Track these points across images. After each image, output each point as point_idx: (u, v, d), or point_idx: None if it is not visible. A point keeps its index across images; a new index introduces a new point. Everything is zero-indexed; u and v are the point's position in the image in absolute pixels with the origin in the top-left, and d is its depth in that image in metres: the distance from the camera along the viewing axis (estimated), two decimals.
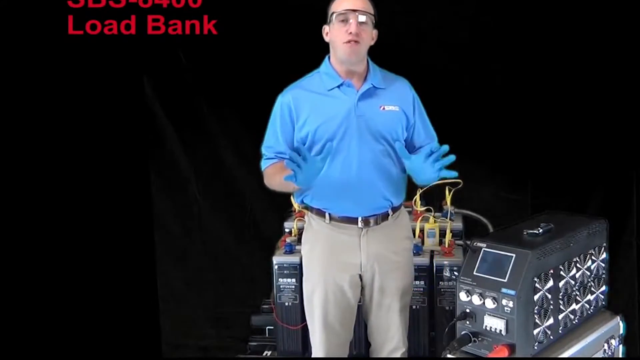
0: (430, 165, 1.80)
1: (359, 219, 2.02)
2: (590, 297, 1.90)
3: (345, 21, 1.93)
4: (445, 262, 2.44)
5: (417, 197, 2.60)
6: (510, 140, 3.00)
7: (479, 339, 1.68)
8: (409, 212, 2.60)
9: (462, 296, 1.71)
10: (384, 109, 2.01)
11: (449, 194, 2.63)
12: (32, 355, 2.55)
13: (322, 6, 2.02)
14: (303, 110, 1.99)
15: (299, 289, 2.45)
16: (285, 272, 2.50)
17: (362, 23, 1.93)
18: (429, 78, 2.88)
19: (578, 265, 1.83)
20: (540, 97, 2.95)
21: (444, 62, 2.96)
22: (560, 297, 1.76)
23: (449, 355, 1.69)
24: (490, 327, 1.65)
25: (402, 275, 2.10)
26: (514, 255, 1.65)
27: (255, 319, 2.80)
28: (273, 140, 2.04)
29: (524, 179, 3.08)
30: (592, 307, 1.92)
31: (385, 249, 2.06)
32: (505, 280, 1.63)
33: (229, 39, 2.86)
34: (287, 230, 2.73)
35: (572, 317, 1.82)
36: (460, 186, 2.48)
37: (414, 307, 2.36)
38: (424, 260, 2.45)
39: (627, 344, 2.02)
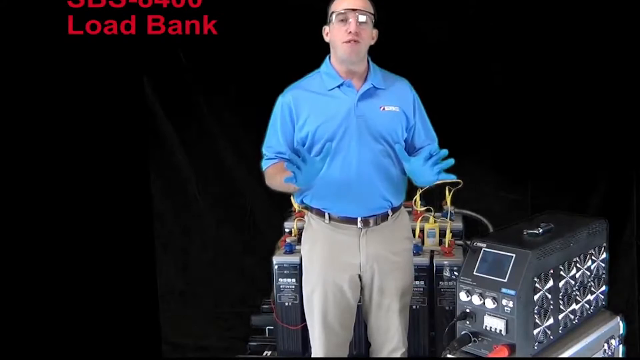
0: (430, 168, 1.81)
1: (359, 219, 2.02)
2: (590, 297, 1.90)
3: (344, 21, 1.93)
4: (445, 262, 2.44)
5: (417, 197, 2.61)
6: (510, 140, 3.00)
7: (479, 339, 1.68)
8: (409, 212, 2.60)
9: (462, 296, 1.71)
10: (384, 109, 2.01)
11: (449, 194, 2.63)
12: (32, 355, 2.55)
13: (322, 6, 2.02)
14: (303, 110, 1.99)
15: (299, 289, 2.45)
16: (285, 272, 2.50)
17: (362, 23, 1.93)
18: (429, 78, 2.89)
19: (578, 265, 1.83)
20: (540, 97, 2.96)
21: (443, 62, 2.95)
22: (560, 297, 1.76)
23: (449, 355, 1.69)
24: (490, 327, 1.65)
25: (401, 275, 2.10)
26: (514, 255, 1.65)
27: (255, 319, 2.80)
28: (273, 141, 2.05)
29: (524, 179, 3.08)
30: (592, 307, 1.92)
31: (385, 250, 2.06)
32: (505, 280, 1.63)
33: (229, 39, 2.86)
34: (287, 230, 2.73)
35: (572, 317, 1.82)
36: (460, 186, 2.48)
37: (414, 307, 2.36)
38: (424, 260, 2.45)
39: (627, 344, 2.02)
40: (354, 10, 1.92)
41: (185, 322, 3.25)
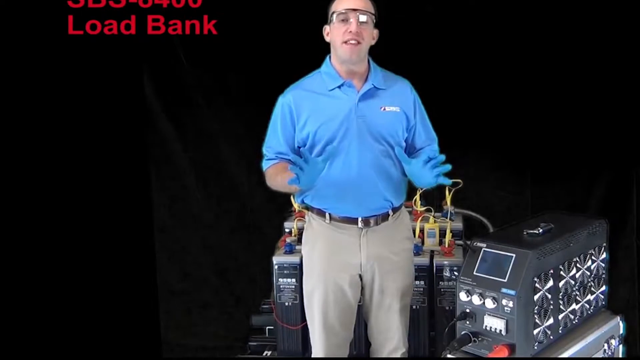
0: (429, 170, 1.82)
1: (359, 219, 2.02)
2: (590, 297, 1.91)
3: (345, 20, 1.93)
4: (445, 262, 2.44)
5: (417, 197, 2.61)
6: (511, 140, 3.00)
7: (479, 339, 1.68)
8: (409, 212, 2.60)
9: (462, 296, 1.71)
10: (384, 109, 2.01)
11: (449, 194, 2.63)
12: (32, 355, 2.55)
13: (323, 6, 2.02)
14: (304, 110, 1.99)
15: (299, 289, 2.45)
16: (285, 272, 2.50)
17: (362, 23, 1.92)
18: (429, 77, 2.89)
19: (578, 265, 1.83)
20: (541, 97, 2.95)
21: (443, 61, 2.95)
22: (560, 297, 1.76)
23: (449, 355, 1.69)
24: (490, 327, 1.65)
25: (402, 275, 2.10)
26: (514, 255, 1.66)
27: (255, 319, 2.80)
28: (273, 141, 2.05)
29: (524, 179, 3.08)
30: (592, 307, 1.92)
31: (385, 250, 2.06)
32: (505, 280, 1.63)
33: (229, 39, 2.86)
34: (287, 230, 2.72)
35: (572, 317, 1.82)
36: (460, 186, 2.48)
37: (414, 307, 2.36)
38: (424, 260, 2.45)
39: (627, 344, 2.03)
40: (354, 10, 1.92)
41: (185, 322, 3.25)
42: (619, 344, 1.97)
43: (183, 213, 3.24)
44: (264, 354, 2.71)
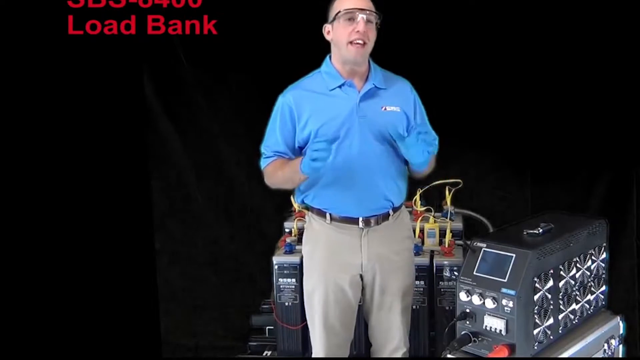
0: (421, 144, 1.84)
1: (360, 219, 2.02)
2: (590, 297, 1.90)
3: (352, 20, 1.92)
4: (445, 262, 2.44)
5: (417, 197, 2.60)
6: (510, 140, 3.00)
7: (479, 339, 1.68)
8: (409, 212, 2.60)
9: (462, 296, 1.71)
10: (385, 109, 2.01)
11: (449, 194, 2.63)
12: (32, 355, 2.55)
13: (323, 5, 2.01)
14: (304, 110, 1.99)
15: (299, 289, 2.45)
16: (285, 272, 2.50)
17: (368, 22, 1.92)
18: (429, 77, 2.88)
19: (578, 265, 1.83)
20: (541, 97, 2.95)
21: (443, 61, 2.95)
22: (560, 297, 1.76)
23: (449, 355, 1.69)
24: (490, 327, 1.65)
25: (403, 275, 2.10)
26: (514, 255, 1.65)
27: (255, 319, 2.80)
28: (272, 140, 2.05)
29: (524, 179, 3.08)
30: (592, 307, 1.92)
31: (386, 249, 2.06)
32: (505, 280, 1.63)
33: (229, 39, 2.86)
34: (287, 230, 2.72)
35: (572, 317, 1.82)
36: (460, 186, 2.48)
37: (414, 307, 2.35)
38: (424, 260, 2.45)
39: (627, 344, 2.02)
40: (362, 9, 1.92)
41: (185, 322, 3.25)
42: (619, 344, 1.97)
43: (183, 213, 3.24)
44: (264, 354, 2.71)
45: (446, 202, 2.67)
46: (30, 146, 2.56)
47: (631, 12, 2.77)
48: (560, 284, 1.75)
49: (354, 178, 1.97)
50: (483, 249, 1.72)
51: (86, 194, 2.70)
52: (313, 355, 2.16)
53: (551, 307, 1.72)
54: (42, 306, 2.58)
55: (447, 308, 2.43)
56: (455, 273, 2.39)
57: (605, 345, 1.91)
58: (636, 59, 2.80)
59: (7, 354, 2.48)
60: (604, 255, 1.96)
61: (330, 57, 2.05)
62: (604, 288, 1.98)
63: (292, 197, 2.34)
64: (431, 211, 2.63)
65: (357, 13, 1.91)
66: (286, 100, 2.01)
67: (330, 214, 2.03)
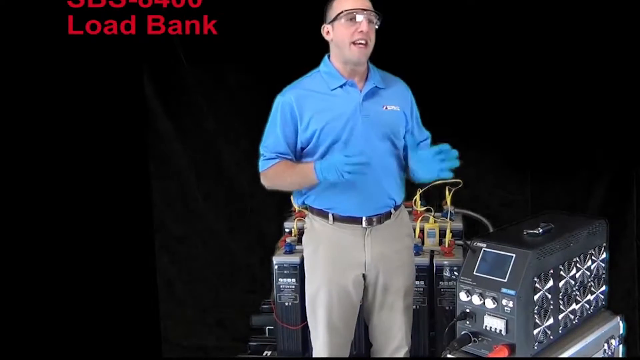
0: (438, 162, 1.83)
1: (363, 218, 2.01)
2: (590, 297, 1.90)
3: (353, 20, 1.92)
4: (445, 262, 2.44)
5: (417, 197, 2.61)
6: (510, 140, 3.00)
7: (479, 339, 1.68)
8: (409, 212, 2.60)
9: (462, 296, 1.71)
10: (386, 108, 2.02)
11: (449, 194, 2.63)
12: (32, 355, 2.55)
13: (323, 5, 2.01)
14: (306, 110, 1.98)
15: (299, 289, 2.45)
16: (285, 272, 2.50)
17: (371, 22, 1.93)
18: (429, 77, 2.89)
19: (578, 265, 1.83)
20: (541, 97, 2.95)
21: (443, 61, 2.95)
22: (560, 297, 1.76)
23: (449, 355, 1.69)
24: (490, 327, 1.65)
25: (404, 273, 2.11)
26: (514, 255, 1.65)
27: (255, 319, 2.80)
28: (272, 140, 2.02)
29: (524, 179, 3.08)
30: (592, 307, 1.92)
31: (389, 248, 2.06)
32: (505, 280, 1.63)
33: (229, 39, 2.86)
34: (287, 230, 2.72)
35: (572, 317, 1.82)
36: (460, 186, 2.48)
37: (414, 307, 2.35)
38: (424, 260, 2.45)
39: (627, 344, 2.02)
40: (364, 10, 1.92)
41: (185, 322, 3.25)
42: (619, 344, 1.97)
43: (183, 213, 3.24)
44: (264, 354, 2.70)
45: (446, 202, 2.67)
46: (30, 146, 2.56)
47: (631, 12, 2.77)
48: (560, 284, 1.75)
49: (358, 177, 1.96)
50: (483, 249, 1.72)
51: (86, 194, 2.70)
52: (314, 355, 2.16)
53: (551, 307, 1.72)
54: (42, 307, 2.58)
55: (447, 308, 2.43)
56: (455, 273, 2.39)
57: (605, 345, 1.91)
58: (636, 59, 2.80)
59: (8, 355, 2.48)
60: (604, 255, 1.96)
61: (329, 57, 2.05)
62: (604, 288, 1.98)
63: (291, 198, 2.34)
64: (431, 211, 2.63)
65: (360, 13, 1.91)
66: (287, 100, 2.00)
67: (333, 214, 2.03)
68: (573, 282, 1.81)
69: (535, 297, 1.66)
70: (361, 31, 1.91)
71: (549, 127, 2.97)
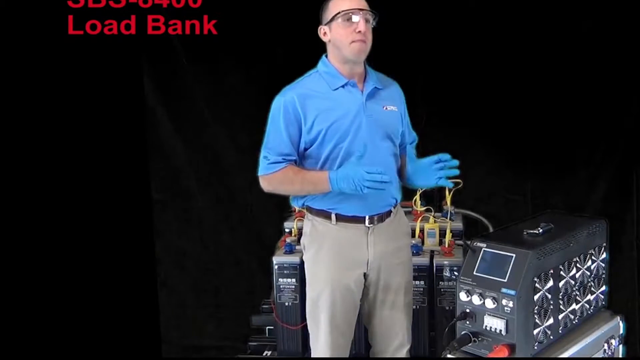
0: (435, 171, 1.89)
1: (366, 217, 2.01)
2: (590, 297, 1.91)
3: (350, 20, 1.92)
4: (445, 262, 2.44)
5: (417, 197, 2.61)
6: (510, 140, 3.00)
7: (479, 339, 1.68)
8: (409, 212, 2.60)
9: (462, 296, 1.71)
10: (386, 109, 2.03)
11: (449, 194, 2.63)
12: (32, 355, 2.55)
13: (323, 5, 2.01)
14: (310, 110, 1.96)
15: (299, 289, 2.44)
16: (285, 272, 2.50)
17: (368, 22, 1.94)
18: (429, 77, 2.89)
19: (578, 265, 1.83)
20: (541, 97, 2.95)
21: (443, 61, 2.95)
22: (560, 297, 1.76)
23: (449, 355, 1.69)
24: (490, 327, 1.65)
25: (403, 271, 2.11)
26: (514, 255, 1.65)
27: (255, 319, 2.80)
28: (276, 142, 1.99)
29: (524, 179, 3.08)
30: (592, 307, 1.92)
31: (390, 246, 2.07)
32: (505, 280, 1.63)
33: (229, 39, 2.86)
34: (287, 230, 2.72)
35: (572, 317, 1.82)
36: (460, 186, 2.48)
37: (414, 307, 2.35)
38: (424, 260, 2.45)
39: (627, 344, 2.02)
40: (360, 10, 1.92)
41: (185, 322, 3.25)
42: (619, 344, 1.97)
43: (183, 213, 3.24)
44: (264, 354, 2.70)
45: (446, 202, 2.67)
46: (30, 146, 2.56)
47: (631, 11, 2.77)
48: (560, 284, 1.75)
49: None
50: (483, 249, 1.72)
51: (86, 194, 2.71)
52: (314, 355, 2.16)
53: (551, 307, 1.72)
54: (42, 307, 2.58)
55: (447, 308, 2.43)
56: (455, 273, 2.39)
57: (605, 345, 1.91)
58: (636, 59, 2.80)
59: (8, 354, 2.49)
60: (604, 255, 1.96)
61: (326, 57, 2.04)
62: (604, 288, 1.98)
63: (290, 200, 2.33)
64: (431, 211, 2.63)
65: (357, 13, 1.92)
66: (289, 100, 1.97)
67: (336, 214, 2.02)
68: (573, 282, 1.81)
69: (535, 297, 1.66)
70: (359, 31, 1.91)
71: (549, 127, 2.97)
